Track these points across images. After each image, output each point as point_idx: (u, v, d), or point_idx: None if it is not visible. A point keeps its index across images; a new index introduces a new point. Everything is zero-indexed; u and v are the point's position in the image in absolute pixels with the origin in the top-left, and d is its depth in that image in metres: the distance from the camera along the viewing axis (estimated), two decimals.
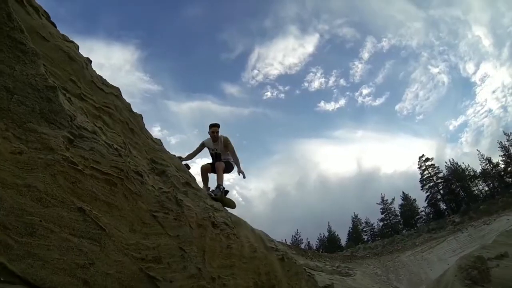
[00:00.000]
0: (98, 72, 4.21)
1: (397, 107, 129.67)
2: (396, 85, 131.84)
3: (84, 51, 4.10)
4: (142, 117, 4.49)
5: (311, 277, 6.26)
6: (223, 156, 6.44)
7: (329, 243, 53.06)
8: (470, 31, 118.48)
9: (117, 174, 2.86)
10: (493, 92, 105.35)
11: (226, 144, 6.39)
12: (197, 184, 4.41)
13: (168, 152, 4.55)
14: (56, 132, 2.56)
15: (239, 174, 6.46)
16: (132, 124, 4.03)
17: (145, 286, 2.86)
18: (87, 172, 2.59)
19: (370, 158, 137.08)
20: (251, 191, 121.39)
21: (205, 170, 6.46)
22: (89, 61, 4.11)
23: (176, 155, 5.15)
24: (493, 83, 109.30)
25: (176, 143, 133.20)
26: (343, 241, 53.96)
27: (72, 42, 4.01)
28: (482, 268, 17.69)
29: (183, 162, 5.86)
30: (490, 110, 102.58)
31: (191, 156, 6.64)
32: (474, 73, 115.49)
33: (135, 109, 4.42)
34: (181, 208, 3.38)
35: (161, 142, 4.62)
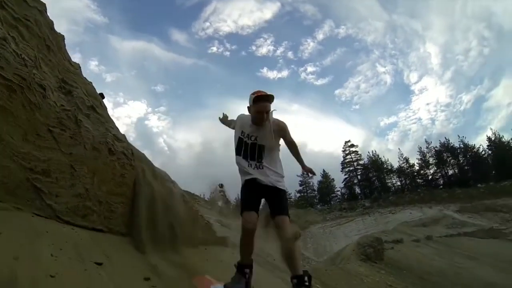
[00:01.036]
0: None
1: (337, 91, 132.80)
2: (341, 71, 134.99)
3: None
4: (64, 38, 4.40)
5: (208, 224, 6.55)
6: (266, 154, 3.58)
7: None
8: (423, 46, 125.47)
9: (18, 82, 2.91)
10: (427, 104, 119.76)
11: (282, 130, 3.64)
12: (106, 113, 4.41)
13: (85, 78, 4.49)
14: None
15: (304, 174, 3.88)
16: (50, 42, 3.96)
17: (30, 196, 2.99)
18: None
19: (300, 132, 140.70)
20: (177, 142, 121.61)
21: (252, 230, 3.30)
22: None
23: None
24: (429, 97, 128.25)
25: (111, 81, 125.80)
26: None
27: None
28: (377, 248, 19.74)
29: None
30: (419, 119, 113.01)
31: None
32: (415, 83, 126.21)
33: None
34: (79, 128, 3.48)
35: (79, 67, 4.56)
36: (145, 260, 3.66)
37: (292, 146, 3.87)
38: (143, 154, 4.95)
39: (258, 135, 3.54)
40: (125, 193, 4.06)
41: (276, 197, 3.48)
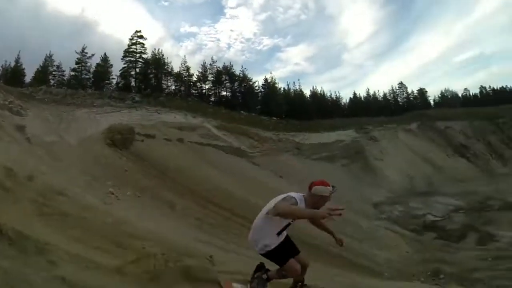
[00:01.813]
0: None
1: None
2: None
3: None
4: None
5: None
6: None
7: (12, 76, 44.69)
8: None
9: None
10: (231, 31, 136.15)
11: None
12: None
13: None
14: None
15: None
16: None
17: None
18: None
19: (98, 14, 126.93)
20: None
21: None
22: None
23: None
24: (236, 26, 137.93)
25: None
26: (29, 78, 46.62)
27: None
28: (126, 136, 21.82)
29: None
30: (219, 40, 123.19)
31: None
32: (231, 8, 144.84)
33: None
34: None
35: None
36: None
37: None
38: None
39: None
40: None
41: (290, 240, 3.87)
